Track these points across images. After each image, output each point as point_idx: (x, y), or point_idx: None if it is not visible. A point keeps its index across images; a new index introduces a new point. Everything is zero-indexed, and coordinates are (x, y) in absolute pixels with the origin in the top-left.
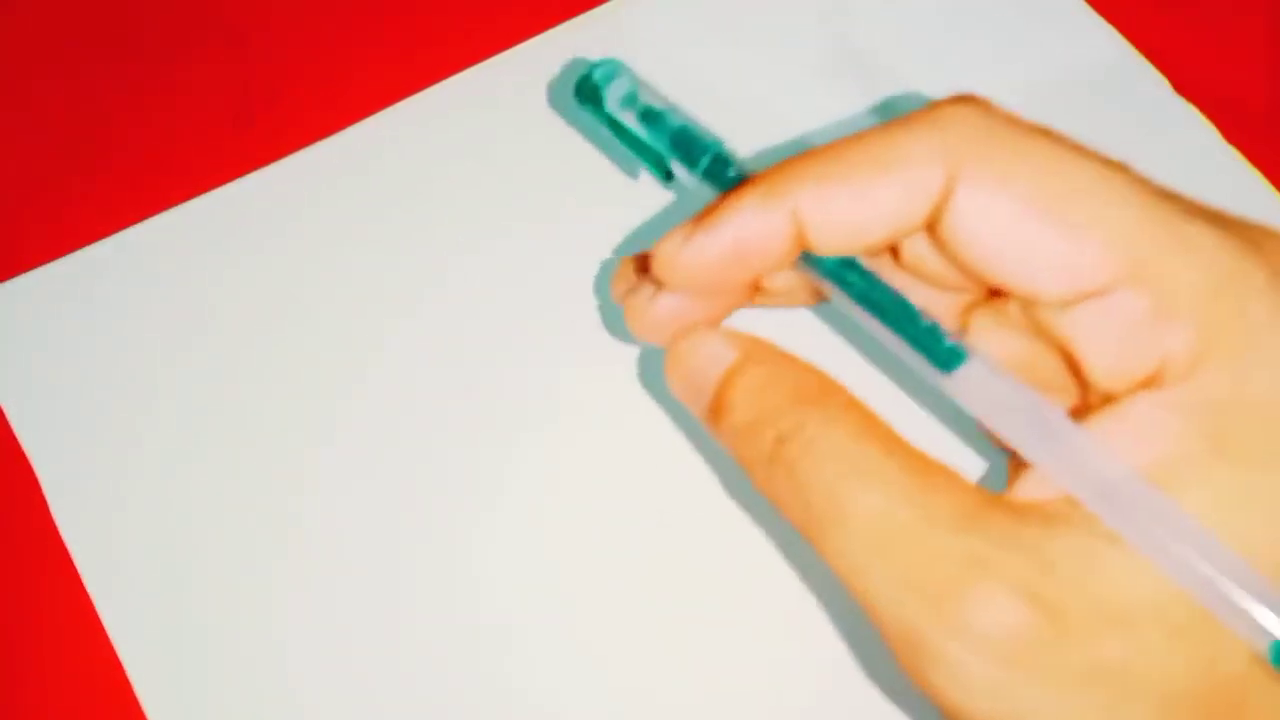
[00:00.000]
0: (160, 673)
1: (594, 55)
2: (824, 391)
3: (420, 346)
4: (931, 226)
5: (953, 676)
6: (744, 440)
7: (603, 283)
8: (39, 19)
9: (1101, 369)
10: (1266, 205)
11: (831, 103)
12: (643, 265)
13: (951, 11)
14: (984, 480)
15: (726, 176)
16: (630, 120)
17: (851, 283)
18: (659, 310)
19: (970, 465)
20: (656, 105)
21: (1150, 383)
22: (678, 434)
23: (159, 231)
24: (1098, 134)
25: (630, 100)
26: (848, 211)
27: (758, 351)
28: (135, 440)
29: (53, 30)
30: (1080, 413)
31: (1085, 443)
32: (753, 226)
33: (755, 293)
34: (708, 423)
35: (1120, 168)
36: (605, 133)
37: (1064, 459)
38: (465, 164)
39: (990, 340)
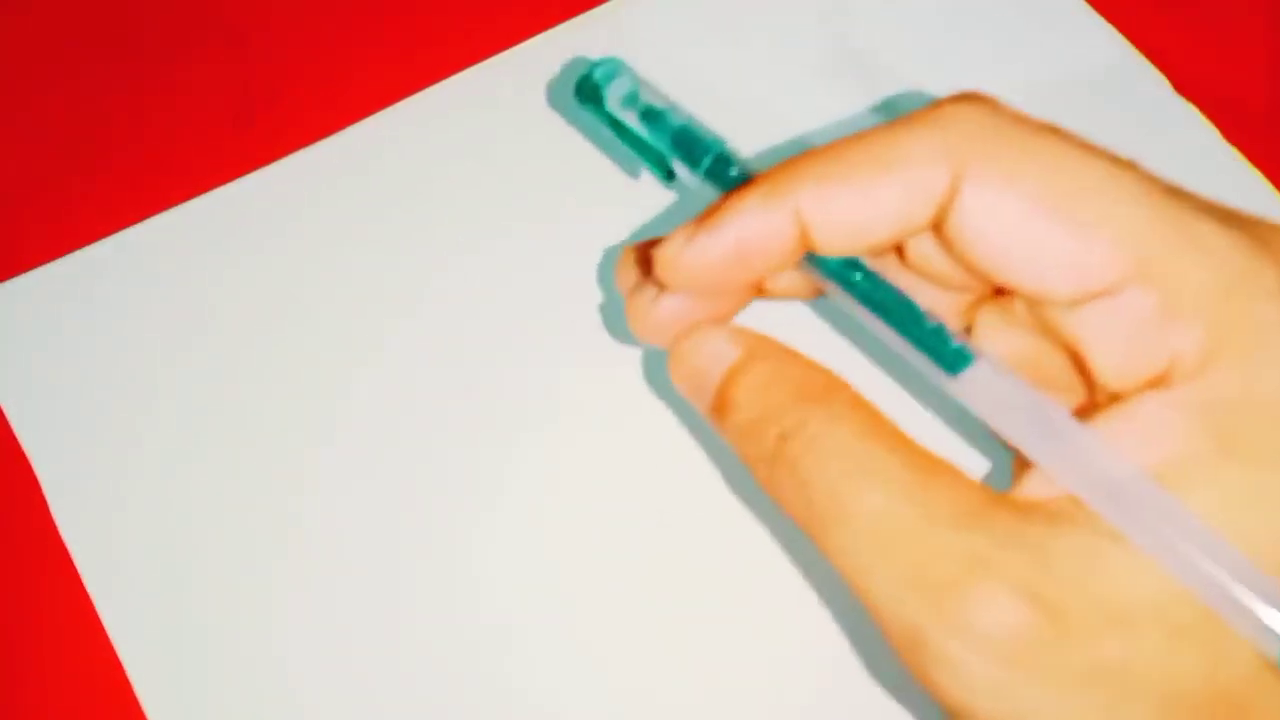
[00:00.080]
0: (160, 673)
1: (594, 55)
2: (828, 388)
3: (420, 346)
4: (938, 226)
5: (954, 676)
6: (747, 438)
7: (604, 282)
8: (39, 19)
9: (1109, 368)
10: (1267, 205)
11: (831, 102)
12: (644, 258)
13: (951, 11)
14: (988, 478)
15: (729, 176)
16: (631, 119)
17: (855, 283)
18: (661, 312)
19: (974, 463)
20: (658, 104)
21: (1158, 382)
22: (678, 433)
23: (159, 231)
24: (1098, 134)
25: (631, 99)
26: (851, 211)
27: (761, 348)
28: (135, 440)
29: (53, 30)
30: (1087, 412)
31: (1093, 444)
32: (756, 227)
33: (757, 292)
34: (712, 420)
35: (1129, 165)
36: (606, 132)
37: (1072, 462)
38: (465, 164)
39: (996, 339)
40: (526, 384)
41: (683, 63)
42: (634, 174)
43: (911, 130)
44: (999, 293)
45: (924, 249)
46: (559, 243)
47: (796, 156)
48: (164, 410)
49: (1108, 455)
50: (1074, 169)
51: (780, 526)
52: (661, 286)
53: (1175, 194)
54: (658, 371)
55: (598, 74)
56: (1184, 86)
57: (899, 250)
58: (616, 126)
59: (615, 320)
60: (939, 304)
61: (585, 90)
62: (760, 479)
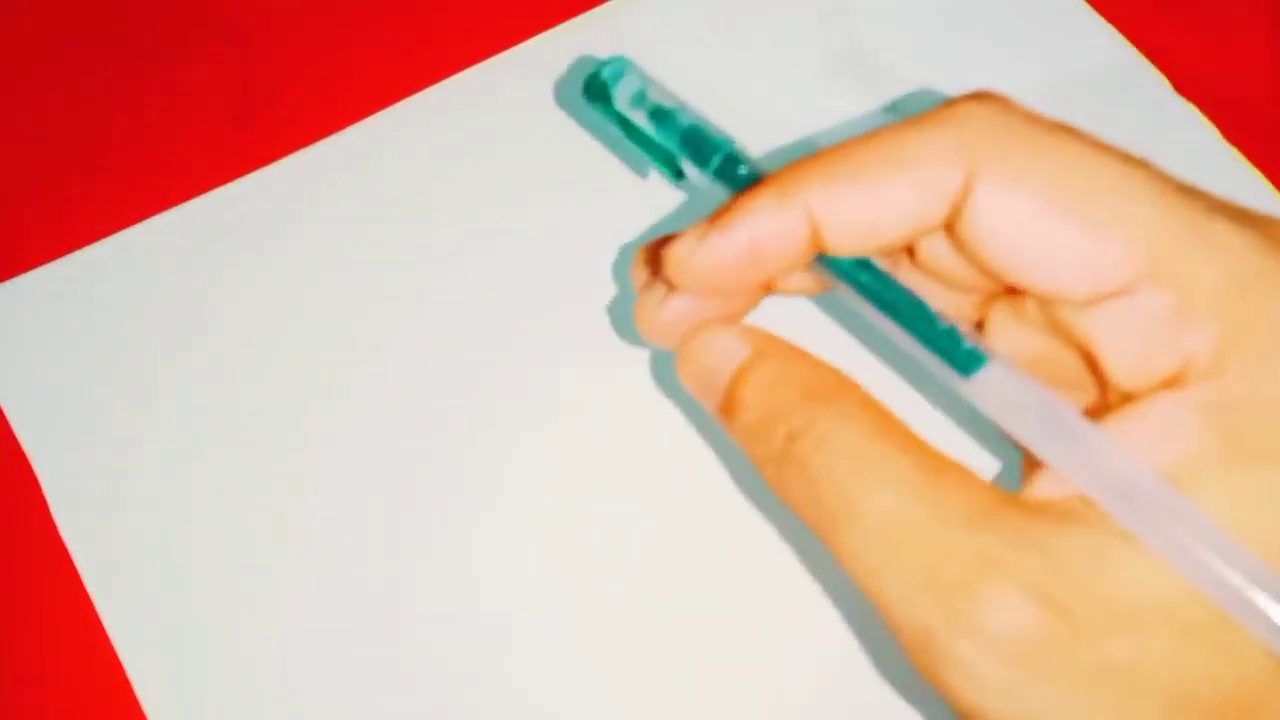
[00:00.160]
0: (160, 673)
1: (595, 54)
2: (836, 388)
3: (421, 347)
4: (950, 225)
5: (965, 676)
6: (755, 437)
7: (611, 281)
8: (39, 19)
9: (1122, 368)
10: (1267, 205)
11: (832, 103)
12: (653, 258)
13: (952, 11)
14: (998, 478)
15: (738, 175)
16: (640, 118)
17: (867, 284)
18: (670, 313)
19: (984, 463)
20: (666, 103)
21: (1172, 382)
22: (682, 434)
23: (159, 231)
24: (1098, 134)
25: (639, 98)
26: (863, 211)
27: (769, 347)
28: (135, 440)
29: (53, 30)
30: (1099, 411)
31: (1105, 445)
32: (767, 227)
33: (767, 292)
34: (720, 420)
35: (1141, 164)
36: (614, 131)
37: (1084, 463)
38: (468, 163)
39: (1008, 338)
40: (529, 383)
41: (683, 62)
42: (642, 173)
43: (924, 129)
44: (1010, 291)
45: (935, 248)
46: (565, 242)
47: (807, 156)
48: (164, 410)
49: (1120, 456)
50: (1087, 168)
51: (789, 527)
52: (670, 287)
53: (1189, 193)
54: (665, 371)
55: (606, 73)
56: (1184, 86)
57: (910, 250)
58: (625, 125)
59: (623, 319)
60: (949, 303)
61: (593, 89)
62: (769, 479)
